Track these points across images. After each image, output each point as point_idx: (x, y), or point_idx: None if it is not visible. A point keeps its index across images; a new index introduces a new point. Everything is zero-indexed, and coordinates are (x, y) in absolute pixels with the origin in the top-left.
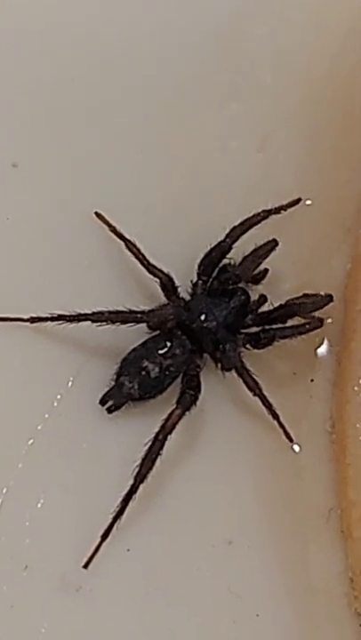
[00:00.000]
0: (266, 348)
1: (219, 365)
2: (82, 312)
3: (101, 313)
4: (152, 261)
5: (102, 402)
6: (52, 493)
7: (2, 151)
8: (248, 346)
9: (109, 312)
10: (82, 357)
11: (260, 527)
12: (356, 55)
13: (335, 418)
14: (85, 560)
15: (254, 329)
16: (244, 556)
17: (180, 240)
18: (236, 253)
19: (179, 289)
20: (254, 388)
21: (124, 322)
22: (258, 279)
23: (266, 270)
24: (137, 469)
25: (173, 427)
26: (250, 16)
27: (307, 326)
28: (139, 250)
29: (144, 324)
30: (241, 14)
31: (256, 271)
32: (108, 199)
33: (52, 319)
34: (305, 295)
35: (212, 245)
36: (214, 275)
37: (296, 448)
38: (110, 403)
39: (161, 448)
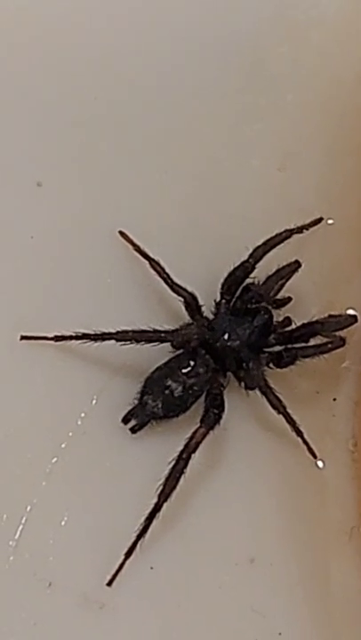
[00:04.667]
0: (289, 367)
1: (242, 384)
2: (106, 331)
3: (125, 332)
4: (176, 280)
5: (125, 420)
6: (76, 511)
7: (26, 170)
8: (271, 365)
9: (133, 331)
10: (105, 376)
11: (283, 545)
12: None
13: (357, 436)
14: (109, 578)
15: (277, 348)
16: (267, 574)
17: (202, 259)
18: (258, 272)
19: (202, 308)
20: (278, 406)
21: (148, 341)
22: (280, 304)
23: (289, 298)
24: (161, 488)
25: (197, 445)
26: (271, 35)
27: (329, 345)
28: (163, 269)
29: (168, 344)
30: (262, 33)
31: (279, 296)
32: (131, 218)
33: (77, 338)
34: (330, 316)
35: (236, 265)
36: (238, 294)
37: (320, 464)
38: (134, 421)
39: (185, 467)
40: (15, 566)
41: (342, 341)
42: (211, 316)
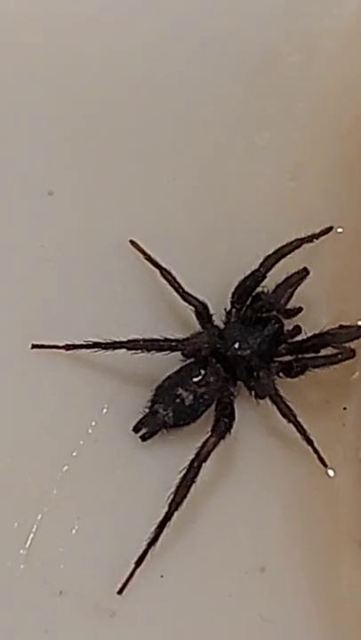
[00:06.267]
0: (299, 376)
1: (253, 393)
2: (117, 340)
3: (136, 341)
4: (187, 289)
5: (136, 429)
6: (87, 520)
7: (38, 179)
8: (281, 374)
9: (144, 340)
10: (116, 385)
11: (293, 553)
12: None
13: None
14: (120, 586)
15: (287, 357)
16: (277, 583)
17: (213, 268)
18: (268, 282)
19: (213, 317)
20: (289, 415)
21: (158, 350)
22: (291, 314)
23: (300, 308)
24: (171, 497)
25: (208, 454)
26: (281, 43)
27: (340, 356)
28: (174, 278)
29: (179, 352)
30: (272, 41)
31: (290, 305)
32: (141, 227)
33: (88, 347)
34: (341, 326)
35: (246, 274)
36: (248, 303)
37: (331, 473)
38: (144, 430)
39: (195, 476)
40: (26, 574)
41: (352, 353)
42: (221, 325)
